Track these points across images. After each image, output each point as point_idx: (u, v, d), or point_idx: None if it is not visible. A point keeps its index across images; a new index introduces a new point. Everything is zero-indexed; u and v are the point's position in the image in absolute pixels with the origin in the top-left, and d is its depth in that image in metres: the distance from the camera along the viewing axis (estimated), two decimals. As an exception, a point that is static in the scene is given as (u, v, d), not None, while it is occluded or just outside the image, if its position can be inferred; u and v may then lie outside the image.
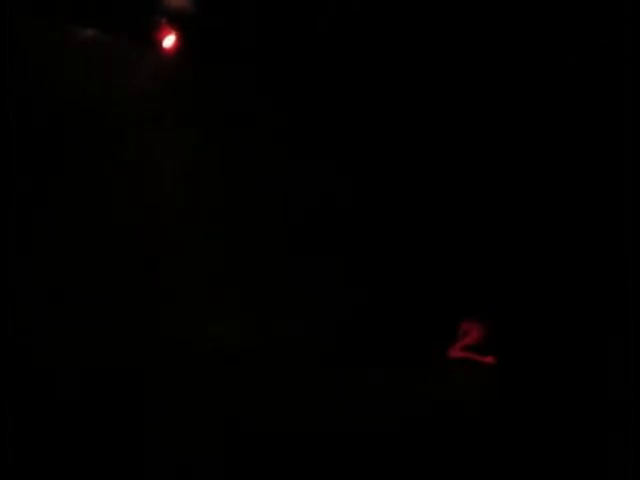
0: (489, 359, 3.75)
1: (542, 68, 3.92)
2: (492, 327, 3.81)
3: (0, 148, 2.99)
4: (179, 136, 3.89)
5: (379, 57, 4.02)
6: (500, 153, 4.09)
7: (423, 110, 4.12)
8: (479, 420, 3.06)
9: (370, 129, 4.20)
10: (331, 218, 4.10)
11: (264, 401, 3.07)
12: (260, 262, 3.92)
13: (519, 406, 3.18)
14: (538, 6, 3.80)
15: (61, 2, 3.55)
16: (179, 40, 3.80)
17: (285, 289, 3.91)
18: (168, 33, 3.78)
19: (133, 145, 3.69)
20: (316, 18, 3.94)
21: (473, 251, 4.07)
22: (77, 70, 3.55)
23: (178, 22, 3.78)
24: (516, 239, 4.04)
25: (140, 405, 2.99)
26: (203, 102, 3.95)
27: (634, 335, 2.98)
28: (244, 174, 4.02)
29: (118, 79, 3.68)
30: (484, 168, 4.12)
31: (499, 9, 3.82)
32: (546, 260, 3.93)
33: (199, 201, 3.89)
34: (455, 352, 3.84)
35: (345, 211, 4.13)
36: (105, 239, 3.54)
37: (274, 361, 3.49)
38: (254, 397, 3.09)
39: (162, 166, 3.79)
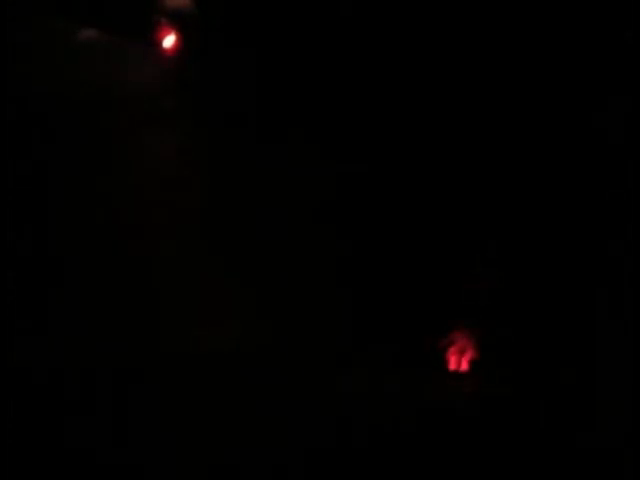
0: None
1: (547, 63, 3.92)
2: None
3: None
4: (179, 136, 3.89)
5: (376, 57, 4.03)
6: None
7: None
8: (473, 420, 3.06)
9: (373, 128, 4.20)
10: (327, 220, 4.10)
11: (257, 404, 3.08)
12: (255, 264, 3.91)
13: (515, 407, 3.17)
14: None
15: (61, 2, 3.55)
16: (179, 40, 3.80)
17: (279, 291, 3.91)
18: (168, 33, 3.78)
19: (132, 145, 3.69)
20: (317, 17, 3.95)
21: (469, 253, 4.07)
22: (76, 70, 3.56)
23: (178, 22, 3.78)
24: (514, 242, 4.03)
25: (133, 405, 3.00)
26: (203, 102, 3.95)
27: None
28: (243, 175, 4.02)
29: (118, 79, 3.68)
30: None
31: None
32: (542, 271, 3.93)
33: (198, 202, 3.89)
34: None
35: (340, 214, 4.13)
36: (100, 238, 3.55)
37: (267, 364, 3.49)
38: (248, 400, 3.09)
39: (161, 166, 3.79)
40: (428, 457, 2.92)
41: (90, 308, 3.40)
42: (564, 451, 2.91)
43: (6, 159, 3.32)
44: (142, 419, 3.01)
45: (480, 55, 4.01)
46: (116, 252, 3.57)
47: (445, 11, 3.93)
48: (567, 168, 3.86)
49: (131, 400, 3.07)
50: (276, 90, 4.09)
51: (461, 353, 3.79)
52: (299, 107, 4.14)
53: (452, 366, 3.78)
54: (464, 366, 3.80)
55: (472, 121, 4.13)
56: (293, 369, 3.47)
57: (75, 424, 2.95)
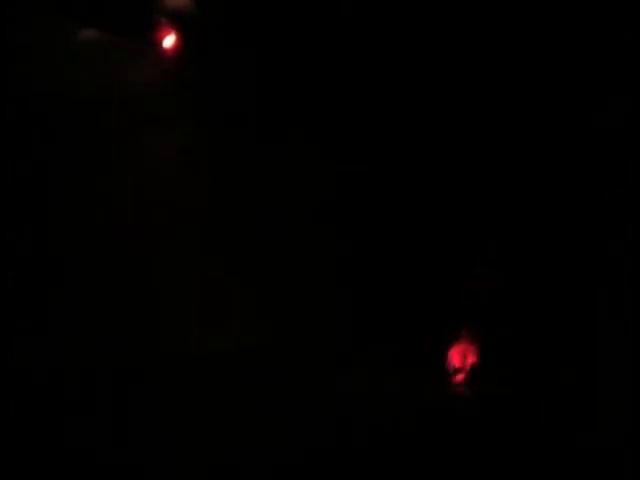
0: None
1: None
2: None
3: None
4: (179, 136, 3.89)
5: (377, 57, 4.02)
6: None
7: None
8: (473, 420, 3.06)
9: (373, 128, 4.20)
10: (327, 220, 4.10)
11: (257, 404, 3.07)
12: (255, 264, 3.91)
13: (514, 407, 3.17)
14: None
15: (61, 2, 3.55)
16: (179, 40, 3.80)
17: (279, 291, 3.91)
18: (168, 33, 3.78)
19: (132, 145, 3.68)
20: (317, 17, 3.94)
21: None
22: (76, 70, 3.56)
23: (178, 22, 3.78)
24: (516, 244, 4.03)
25: (133, 405, 2.99)
26: (203, 102, 3.95)
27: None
28: (243, 175, 4.02)
29: (118, 79, 3.68)
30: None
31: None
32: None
33: (198, 202, 3.89)
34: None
35: (340, 214, 4.12)
36: (100, 238, 3.55)
37: (267, 364, 3.49)
38: (248, 400, 3.09)
39: (161, 166, 3.79)
40: (428, 457, 2.92)
41: (90, 308, 3.40)
42: (564, 451, 2.90)
43: (6, 159, 3.32)
44: (142, 419, 3.01)
45: (480, 55, 4.01)
46: (116, 252, 3.57)
47: (445, 12, 3.93)
48: (567, 168, 3.86)
49: (131, 400, 3.07)
50: (276, 90, 4.09)
51: (461, 354, 3.79)
52: (299, 107, 4.14)
53: (452, 367, 3.78)
54: (464, 367, 3.80)
55: (472, 121, 4.13)
56: (293, 369, 3.47)
57: (75, 424, 2.95)
